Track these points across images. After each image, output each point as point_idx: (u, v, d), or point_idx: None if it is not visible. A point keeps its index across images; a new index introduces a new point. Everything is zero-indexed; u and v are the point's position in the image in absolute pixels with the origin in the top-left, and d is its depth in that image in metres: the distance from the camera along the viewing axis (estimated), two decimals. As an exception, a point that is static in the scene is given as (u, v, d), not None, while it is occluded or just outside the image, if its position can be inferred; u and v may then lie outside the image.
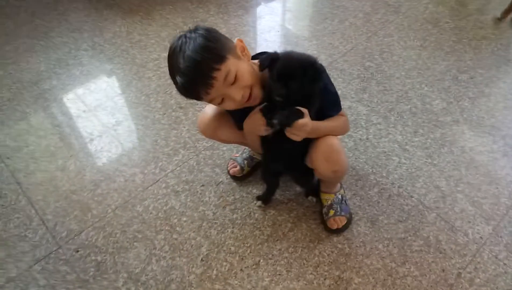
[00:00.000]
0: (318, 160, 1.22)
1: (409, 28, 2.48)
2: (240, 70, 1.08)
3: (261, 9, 2.68)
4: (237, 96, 1.10)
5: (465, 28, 2.49)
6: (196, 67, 1.03)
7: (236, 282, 1.36)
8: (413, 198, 1.60)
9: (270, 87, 1.09)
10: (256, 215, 1.54)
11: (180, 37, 1.06)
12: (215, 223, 1.51)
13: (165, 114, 1.91)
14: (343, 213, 1.48)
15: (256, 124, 1.16)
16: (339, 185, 1.52)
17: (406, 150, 1.78)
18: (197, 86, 1.06)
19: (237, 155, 1.66)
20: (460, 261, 1.41)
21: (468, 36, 2.43)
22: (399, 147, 1.79)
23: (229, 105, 1.14)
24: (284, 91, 1.05)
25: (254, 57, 1.23)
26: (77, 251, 1.44)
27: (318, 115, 1.15)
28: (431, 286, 1.35)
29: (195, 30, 1.06)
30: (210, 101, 1.13)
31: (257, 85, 1.16)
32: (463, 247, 1.45)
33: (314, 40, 2.39)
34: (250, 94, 1.14)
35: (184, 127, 1.85)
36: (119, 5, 2.60)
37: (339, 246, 1.45)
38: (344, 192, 1.55)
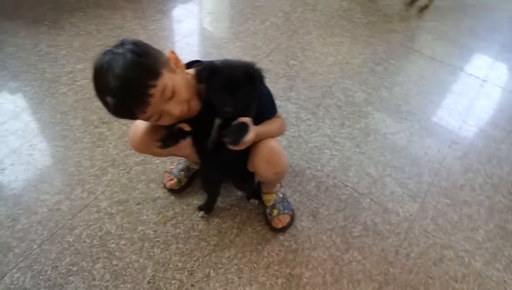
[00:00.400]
0: (260, 164, 1.21)
1: (326, 25, 2.60)
2: (177, 84, 1.03)
3: (180, 12, 2.61)
4: (175, 111, 1.05)
5: (376, 23, 2.67)
6: (130, 85, 0.95)
7: (187, 299, 1.30)
8: (348, 187, 1.67)
9: (213, 99, 1.05)
10: (200, 226, 1.49)
11: (105, 53, 0.97)
12: (157, 241, 1.43)
13: (86, 131, 1.76)
14: (286, 211, 1.49)
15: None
16: (279, 184, 1.53)
17: (336, 142, 1.86)
18: (132, 106, 0.98)
19: (173, 167, 1.60)
20: (395, 239, 1.51)
21: (380, 30, 2.61)
22: (329, 140, 1.86)
23: (167, 121, 1.08)
24: (232, 101, 1.02)
25: (187, 66, 1.19)
26: (1, 298, 1.27)
27: (256, 119, 1.14)
28: (374, 267, 1.43)
29: (122, 44, 0.98)
30: (147, 119, 1.06)
31: (194, 97, 1.12)
32: (397, 226, 1.55)
33: (237, 42, 2.38)
34: (188, 107, 1.09)
35: (110, 143, 1.73)
36: (19, 15, 2.35)
37: (286, 243, 1.47)
38: (284, 190, 1.57)
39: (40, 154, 1.65)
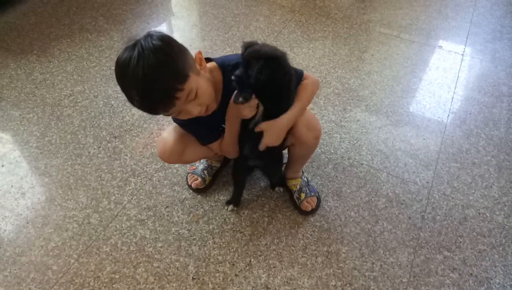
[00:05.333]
0: (302, 132, 1.24)
1: (307, 23, 2.71)
2: (201, 88, 1.04)
3: (165, 28, 2.65)
4: (195, 112, 1.07)
5: (352, 16, 2.81)
6: (157, 87, 0.95)
7: (235, 288, 1.31)
8: (363, 165, 1.74)
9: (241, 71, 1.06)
10: (232, 219, 1.51)
11: (134, 45, 0.95)
12: (193, 239, 1.44)
13: (100, 147, 1.76)
14: (312, 194, 1.54)
15: (241, 108, 1.13)
16: (301, 170, 1.58)
17: (343, 126, 1.93)
18: (157, 106, 1.00)
19: (194, 167, 1.61)
20: (419, 206, 1.58)
21: (357, 21, 2.74)
22: (336, 125, 1.94)
23: (184, 117, 1.10)
24: (253, 71, 1.02)
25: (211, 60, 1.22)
26: (45, 318, 1.23)
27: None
28: (405, 233, 1.48)
29: (149, 38, 0.96)
30: (165, 115, 1.09)
31: (213, 100, 1.14)
32: (417, 194, 1.62)
33: (228, 48, 2.45)
34: (206, 109, 1.11)
35: (126, 155, 1.73)
36: (5, 48, 2.33)
37: (318, 224, 1.51)
38: (307, 175, 1.62)
39: (59, 174, 1.64)
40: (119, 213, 1.51)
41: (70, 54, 2.31)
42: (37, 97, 2.00)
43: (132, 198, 1.56)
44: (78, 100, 1.99)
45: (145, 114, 1.89)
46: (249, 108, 1.13)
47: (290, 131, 1.23)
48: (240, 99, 1.07)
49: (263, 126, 1.15)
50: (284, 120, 1.15)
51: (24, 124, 1.86)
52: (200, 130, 1.23)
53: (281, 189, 1.60)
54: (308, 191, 1.53)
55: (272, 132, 1.16)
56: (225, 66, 1.18)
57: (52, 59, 2.27)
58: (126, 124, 1.87)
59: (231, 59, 1.19)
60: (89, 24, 2.57)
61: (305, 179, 1.56)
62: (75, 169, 1.66)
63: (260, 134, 1.16)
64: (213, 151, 1.33)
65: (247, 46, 1.08)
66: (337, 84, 2.18)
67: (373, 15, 2.82)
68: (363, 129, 1.91)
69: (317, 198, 1.55)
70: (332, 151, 1.80)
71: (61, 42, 2.40)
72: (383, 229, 1.50)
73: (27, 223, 1.46)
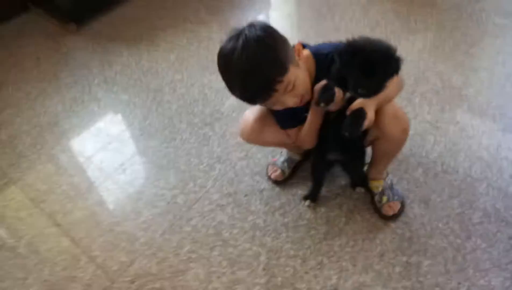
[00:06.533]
0: (388, 121, 1.16)
1: (408, 14, 2.51)
2: (298, 80, 1.06)
3: (262, 19, 2.71)
4: (290, 103, 1.10)
5: (462, 5, 2.52)
6: (258, 78, 0.99)
7: (303, 285, 1.32)
8: (459, 173, 1.58)
9: (349, 77, 1.03)
10: (307, 215, 1.51)
11: (238, 35, 0.99)
12: (268, 230, 1.48)
13: (191, 133, 1.89)
14: (396, 198, 1.45)
15: None
16: (386, 171, 1.49)
17: (439, 127, 1.77)
18: (256, 96, 1.05)
19: (275, 159, 1.64)
20: (524, 226, 1.38)
21: (467, 11, 2.45)
22: (430, 126, 1.78)
23: (277, 107, 1.13)
24: (367, 84, 1.02)
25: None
26: (133, 282, 1.39)
27: None
28: (503, 255, 1.32)
29: (253, 28, 0.99)
30: (262, 105, 1.12)
31: (309, 91, 1.14)
32: (523, 212, 1.42)
33: (320, 39, 2.39)
34: (301, 100, 1.13)
35: (214, 142, 1.83)
36: (121, 37, 2.61)
37: (399, 231, 1.42)
38: (391, 177, 1.52)
39: (154, 155, 1.80)
40: (202, 196, 1.61)
41: (173, 44, 2.50)
42: (143, 83, 2.22)
43: (215, 183, 1.65)
44: (177, 88, 2.15)
45: (235, 103, 1.98)
46: (335, 104, 1.10)
47: (375, 122, 1.15)
48: (322, 104, 1.05)
49: (360, 102, 1.06)
50: (372, 114, 1.08)
51: (130, 107, 2.08)
52: (283, 114, 1.23)
53: (362, 190, 1.54)
54: (391, 194, 1.45)
55: (369, 108, 1.07)
56: (319, 55, 1.17)
57: (158, 48, 2.48)
58: (217, 112, 1.97)
59: (325, 48, 1.18)
60: (192, 15, 2.73)
61: (389, 182, 1.48)
62: (168, 151, 1.81)
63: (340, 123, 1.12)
64: (290, 138, 1.33)
65: (350, 56, 1.01)
66: (437, 81, 2.00)
67: (487, 3, 2.49)
68: (463, 133, 1.73)
69: (401, 203, 1.46)
70: (424, 155, 1.66)
71: (166, 32, 2.61)
72: (476, 247, 1.35)
73: (125, 197, 1.65)
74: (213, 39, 2.49)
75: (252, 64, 0.98)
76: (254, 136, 1.34)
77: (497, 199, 1.47)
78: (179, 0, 2.88)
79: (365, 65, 0.99)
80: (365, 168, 1.51)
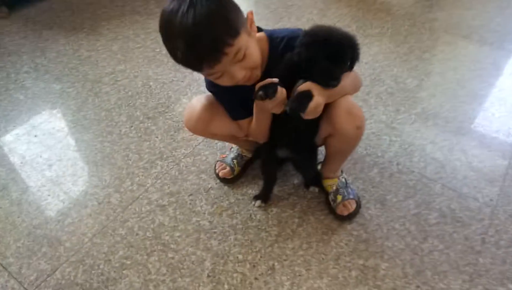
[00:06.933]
0: (341, 116, 1.08)
1: (364, 18, 2.51)
2: (250, 49, 0.97)
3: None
4: (239, 75, 0.98)
5: (415, 13, 2.56)
6: (207, 37, 0.88)
7: (252, 293, 1.17)
8: (414, 173, 1.52)
9: (314, 69, 0.97)
10: (258, 216, 1.37)
11: None
12: (214, 232, 1.32)
13: (132, 126, 1.70)
14: (351, 197, 1.36)
15: (266, 103, 1.00)
16: (340, 170, 1.40)
17: (394, 128, 1.72)
18: (202, 59, 0.92)
19: (224, 155, 1.50)
20: (479, 226, 1.34)
21: (420, 19, 2.50)
22: (386, 126, 1.73)
23: (225, 82, 1.02)
24: (338, 73, 0.96)
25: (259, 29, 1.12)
26: (52, 295, 1.17)
27: None
28: (460, 257, 1.26)
29: None
30: (208, 75, 1.00)
31: (259, 67, 1.05)
32: (478, 212, 1.38)
33: (276, 38, 2.32)
34: (251, 75, 1.02)
35: (157, 137, 1.65)
36: (59, 24, 2.37)
37: (355, 233, 1.32)
38: (346, 176, 1.44)
39: (88, 149, 1.59)
40: (141, 196, 1.42)
41: (118, 34, 2.30)
42: (79, 73, 1.99)
43: (156, 182, 1.47)
44: (118, 79, 1.95)
45: (181, 95, 1.82)
46: (276, 104, 1.00)
47: (327, 117, 1.08)
48: (259, 96, 0.95)
49: (307, 85, 0.98)
50: (321, 99, 0.99)
51: (63, 97, 1.85)
52: (233, 102, 1.13)
53: (316, 190, 1.44)
54: (346, 193, 1.35)
55: (319, 93, 0.99)
56: (273, 38, 1.10)
57: (100, 38, 2.27)
58: (162, 106, 1.80)
59: (281, 32, 1.12)
60: (140, 7, 2.56)
61: (343, 180, 1.38)
62: (104, 146, 1.61)
63: (293, 121, 1.02)
64: (241, 130, 1.21)
65: (315, 43, 0.96)
66: (392, 83, 1.97)
67: (439, 14, 2.56)
68: (417, 134, 1.69)
69: (357, 202, 1.37)
70: (379, 154, 1.60)
71: (111, 23, 2.41)
72: (433, 248, 1.28)
73: (48, 195, 1.42)
74: (163, 31, 2.32)
75: (200, 21, 0.87)
76: (201, 126, 1.20)
77: (451, 199, 1.43)
78: (127, -9, 2.70)
79: (335, 54, 0.94)
80: (319, 167, 1.41)
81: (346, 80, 1.09)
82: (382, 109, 1.82)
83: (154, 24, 2.39)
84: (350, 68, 1.04)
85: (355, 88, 1.15)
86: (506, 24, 2.43)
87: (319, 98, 0.97)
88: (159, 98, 1.84)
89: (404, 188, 1.47)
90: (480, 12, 2.57)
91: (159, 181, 1.48)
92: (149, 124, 1.71)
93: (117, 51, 2.16)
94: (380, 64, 2.10)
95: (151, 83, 1.93)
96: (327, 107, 1.09)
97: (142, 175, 1.49)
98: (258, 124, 1.15)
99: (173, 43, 0.93)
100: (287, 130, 1.13)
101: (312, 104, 0.95)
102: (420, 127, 1.72)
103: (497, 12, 2.56)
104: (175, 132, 1.67)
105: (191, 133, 1.60)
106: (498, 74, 2.03)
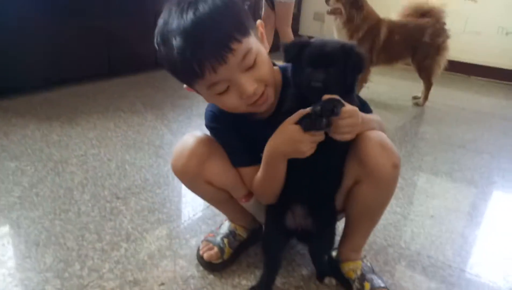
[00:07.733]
0: (374, 149, 0.86)
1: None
2: (261, 55, 0.82)
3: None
4: (249, 87, 0.79)
5: (405, 125, 2.57)
6: (211, 31, 0.74)
7: None
8: (452, 267, 1.20)
9: (300, 78, 0.82)
10: (256, 316, 0.96)
11: None
12: (193, 338, 0.89)
13: (95, 205, 1.36)
14: (382, 285, 1.00)
15: (295, 139, 0.79)
16: (363, 246, 1.08)
17: (413, 219, 1.46)
18: (204, 56, 0.74)
19: (212, 234, 1.15)
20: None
21: (411, 131, 2.49)
22: (402, 217, 1.47)
23: (232, 100, 0.82)
24: (321, 76, 0.79)
25: None
26: None
27: None
28: None
29: None
30: (210, 86, 0.80)
31: (273, 86, 0.87)
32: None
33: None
34: (263, 93, 0.83)
35: (125, 217, 1.31)
36: (33, 114, 2.20)
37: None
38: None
39: (31, 227, 1.22)
40: (90, 284, 1.01)
41: (97, 124, 2.13)
42: (43, 153, 1.73)
43: (116, 267, 1.07)
44: (88, 161, 1.69)
45: (162, 178, 1.55)
46: (312, 142, 0.80)
47: (355, 154, 0.88)
48: (317, 109, 0.75)
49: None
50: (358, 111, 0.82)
51: (16, 174, 1.53)
52: (237, 142, 0.94)
53: (333, 281, 1.07)
54: (375, 279, 1.00)
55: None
56: (286, 69, 0.93)
57: (76, 126, 2.08)
58: (136, 187, 1.51)
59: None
60: (126, 106, 2.47)
61: (368, 264, 1.05)
62: (53, 225, 1.24)
63: (313, 163, 0.83)
64: (243, 181, 0.94)
65: (299, 48, 0.83)
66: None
67: (429, 127, 2.58)
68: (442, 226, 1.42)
69: (391, 295, 1.00)
70: (403, 246, 1.29)
71: (92, 116, 2.26)
72: None
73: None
74: (146, 125, 2.18)
75: (204, 12, 0.75)
76: (194, 165, 0.94)
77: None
78: (113, 96, 2.64)
79: (316, 57, 0.80)
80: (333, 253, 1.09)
81: (374, 116, 0.94)
82: (394, 201, 1.58)
83: (137, 120, 2.25)
84: (351, 77, 0.84)
85: (381, 129, 0.95)
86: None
87: (354, 106, 0.77)
88: (134, 180, 1.56)
89: (445, 285, 1.13)
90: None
91: (120, 266, 1.08)
92: (117, 204, 1.38)
93: (92, 138, 1.95)
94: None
95: (126, 166, 1.66)
96: (354, 142, 0.86)
97: (97, 259, 1.10)
98: (268, 174, 0.89)
99: (169, 41, 0.77)
100: (304, 177, 0.88)
101: (348, 108, 0.76)
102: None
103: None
104: (149, 212, 1.34)
105: (169, 215, 1.29)
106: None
